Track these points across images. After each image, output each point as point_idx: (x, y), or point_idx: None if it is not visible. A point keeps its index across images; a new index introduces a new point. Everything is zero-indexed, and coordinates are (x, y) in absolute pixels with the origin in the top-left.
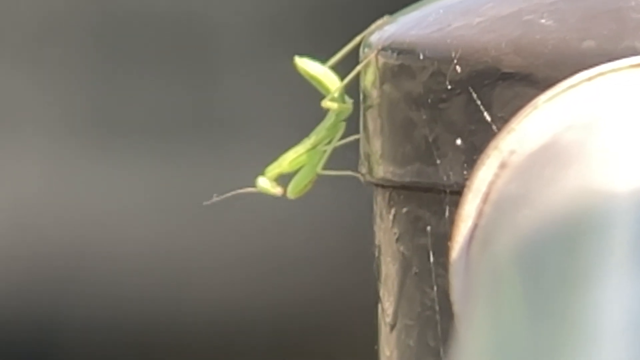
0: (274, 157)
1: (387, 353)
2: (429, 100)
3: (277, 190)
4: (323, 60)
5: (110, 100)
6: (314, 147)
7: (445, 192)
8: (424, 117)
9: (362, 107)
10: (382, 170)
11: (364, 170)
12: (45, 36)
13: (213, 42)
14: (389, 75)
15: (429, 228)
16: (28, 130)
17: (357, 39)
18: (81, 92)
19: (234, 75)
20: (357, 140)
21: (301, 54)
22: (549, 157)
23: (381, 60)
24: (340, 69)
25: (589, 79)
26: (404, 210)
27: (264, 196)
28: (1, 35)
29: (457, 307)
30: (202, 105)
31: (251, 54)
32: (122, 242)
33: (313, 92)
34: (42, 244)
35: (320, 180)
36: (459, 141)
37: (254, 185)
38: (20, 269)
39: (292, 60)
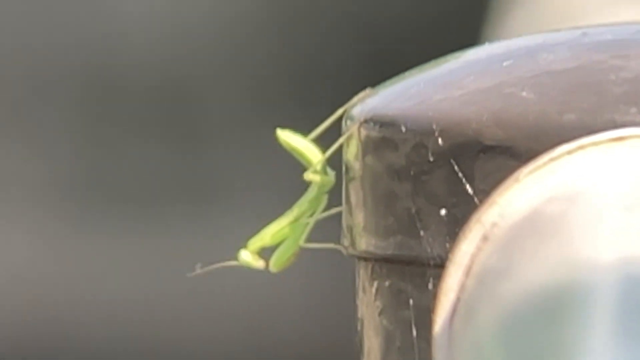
0: (258, 227)
1: None
2: (411, 173)
3: (259, 263)
4: (306, 131)
5: (96, 169)
6: (296, 219)
7: (428, 264)
8: (407, 189)
9: (344, 179)
10: (364, 243)
11: (346, 242)
12: (33, 104)
13: (198, 113)
14: (371, 147)
15: (411, 301)
16: (15, 197)
17: (340, 111)
18: (68, 162)
19: (219, 145)
20: (340, 213)
21: (284, 125)
22: (530, 229)
23: (363, 132)
24: (323, 141)
25: (570, 152)
26: (387, 283)
27: (247, 269)
28: None
29: None
30: (187, 175)
31: (236, 125)
32: (109, 309)
33: (297, 163)
34: (31, 312)
35: (302, 253)
36: (442, 213)
37: (236, 258)
38: (6, 337)
39: (275, 131)
